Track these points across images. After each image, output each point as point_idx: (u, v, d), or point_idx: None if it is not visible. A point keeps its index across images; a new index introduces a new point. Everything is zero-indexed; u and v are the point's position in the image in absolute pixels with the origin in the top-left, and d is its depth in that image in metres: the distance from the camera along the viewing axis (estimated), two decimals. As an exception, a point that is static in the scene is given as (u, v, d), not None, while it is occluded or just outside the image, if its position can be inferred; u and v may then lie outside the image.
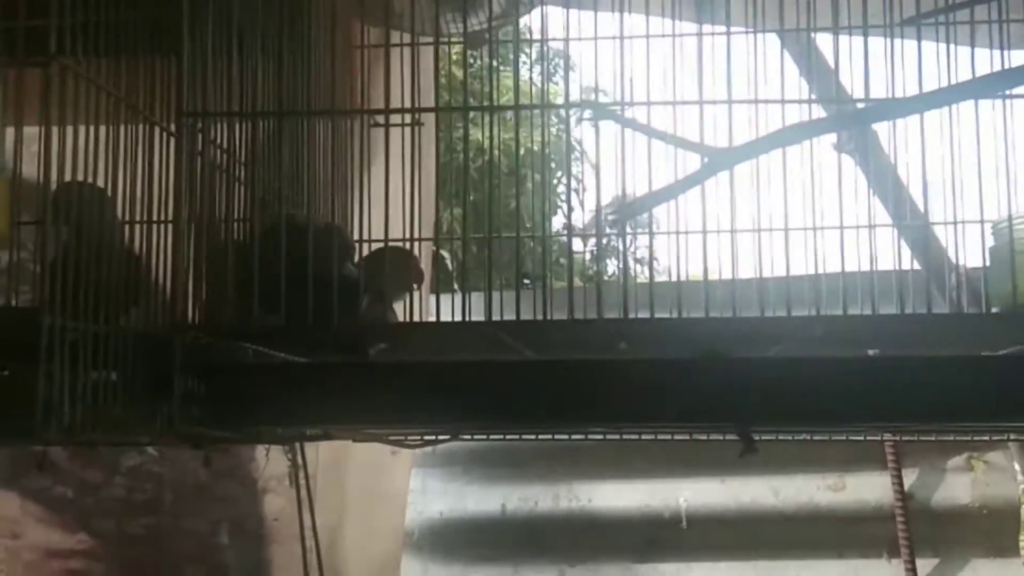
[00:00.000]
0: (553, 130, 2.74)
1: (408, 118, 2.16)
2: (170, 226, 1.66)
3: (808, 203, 2.02)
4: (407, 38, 2.25)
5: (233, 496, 3.11)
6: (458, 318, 1.72)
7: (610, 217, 2.01)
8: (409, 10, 2.13)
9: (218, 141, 1.75)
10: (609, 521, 3.60)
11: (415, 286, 2.08)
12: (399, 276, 2.02)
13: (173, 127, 1.68)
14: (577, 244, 2.78)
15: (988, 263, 1.79)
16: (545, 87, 2.38)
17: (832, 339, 1.61)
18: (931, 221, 2.54)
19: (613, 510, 3.60)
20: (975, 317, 1.60)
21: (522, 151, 2.04)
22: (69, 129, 1.48)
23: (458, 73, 2.25)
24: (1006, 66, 1.99)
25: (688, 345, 1.60)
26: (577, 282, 1.87)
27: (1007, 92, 1.93)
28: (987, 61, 1.93)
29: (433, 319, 1.84)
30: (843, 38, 2.43)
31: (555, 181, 6.77)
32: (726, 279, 1.85)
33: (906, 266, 2.29)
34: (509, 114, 2.05)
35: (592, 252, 3.01)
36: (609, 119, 2.16)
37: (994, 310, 1.71)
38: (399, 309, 2.04)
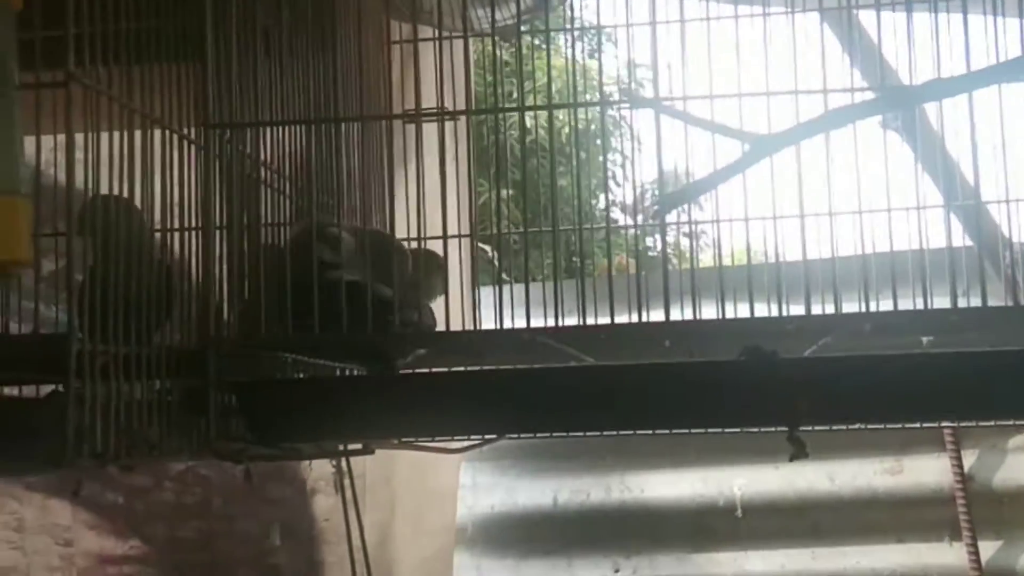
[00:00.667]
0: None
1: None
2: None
3: (855, 184, 1.97)
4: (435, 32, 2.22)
5: (282, 498, 3.10)
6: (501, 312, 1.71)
7: (654, 208, 1.97)
8: (436, 5, 2.09)
9: (248, 150, 1.72)
10: (662, 511, 3.56)
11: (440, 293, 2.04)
12: (429, 281, 1.98)
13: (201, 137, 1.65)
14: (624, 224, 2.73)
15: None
16: (572, 71, 2.34)
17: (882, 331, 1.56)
18: (983, 199, 2.47)
19: (666, 500, 3.56)
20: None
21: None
22: (92, 143, 1.45)
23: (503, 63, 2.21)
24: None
25: (733, 343, 1.55)
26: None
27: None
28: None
29: (474, 315, 1.81)
30: (886, 14, 2.37)
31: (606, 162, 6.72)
32: (771, 263, 1.80)
33: (957, 244, 2.23)
34: (557, 98, 2.01)
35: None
36: (647, 107, 2.11)
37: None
38: (440, 305, 2.01)
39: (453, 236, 2.37)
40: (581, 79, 2.41)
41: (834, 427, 1.72)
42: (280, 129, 1.83)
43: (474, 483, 3.62)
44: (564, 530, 3.58)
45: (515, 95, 2.55)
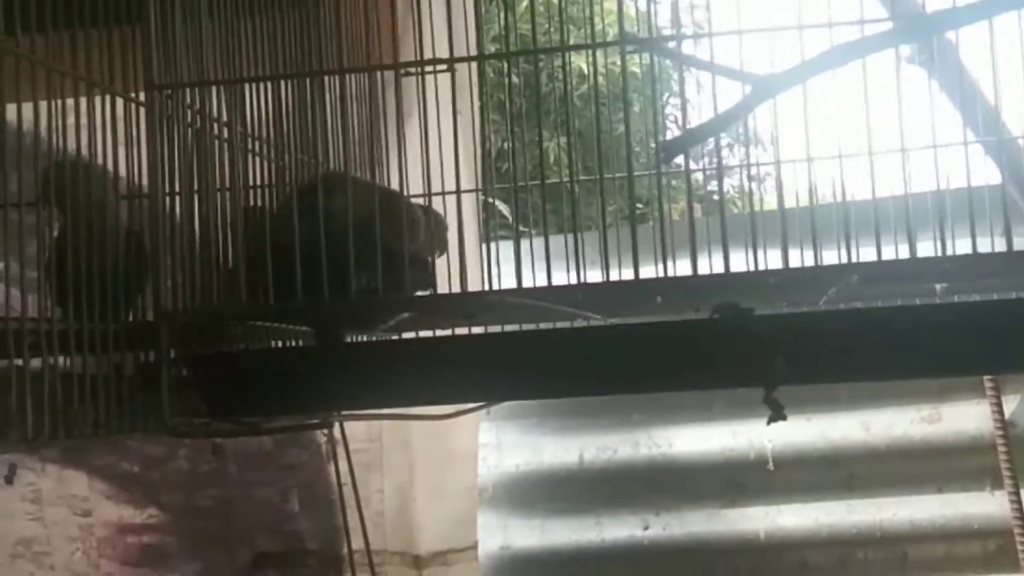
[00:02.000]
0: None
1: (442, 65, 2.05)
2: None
3: (876, 122, 1.86)
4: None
5: (300, 463, 3.05)
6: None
7: (661, 153, 1.88)
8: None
9: (208, 111, 1.64)
10: (692, 466, 3.47)
11: (438, 253, 1.96)
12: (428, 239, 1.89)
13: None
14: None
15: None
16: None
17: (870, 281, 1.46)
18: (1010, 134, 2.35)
19: (695, 455, 3.46)
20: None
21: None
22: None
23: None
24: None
25: (717, 299, 1.47)
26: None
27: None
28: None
29: (486, 269, 1.73)
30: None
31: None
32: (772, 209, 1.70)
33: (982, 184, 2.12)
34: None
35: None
36: (654, 52, 2.02)
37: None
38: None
39: (456, 191, 2.30)
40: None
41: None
42: (257, 87, 1.75)
43: (498, 442, 3.55)
44: (591, 488, 3.50)
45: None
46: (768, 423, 1.40)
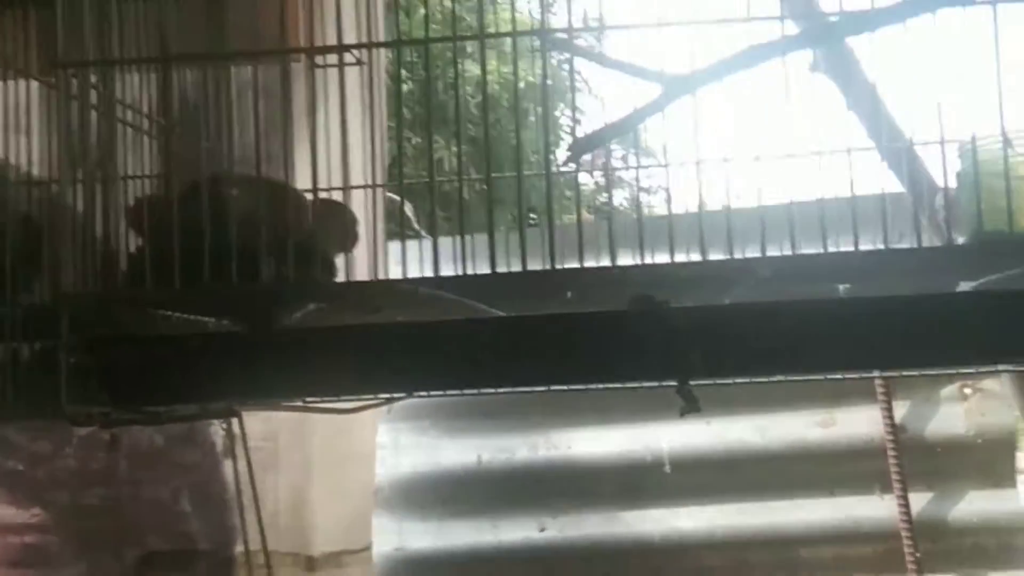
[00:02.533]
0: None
1: (351, 57, 2.02)
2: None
3: (783, 128, 1.87)
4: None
5: (193, 462, 2.97)
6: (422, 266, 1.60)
7: (566, 153, 1.87)
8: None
9: (117, 94, 1.59)
10: (590, 469, 3.46)
11: (349, 248, 1.92)
12: (332, 234, 1.85)
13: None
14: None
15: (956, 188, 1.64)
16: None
17: (796, 276, 1.47)
18: (913, 141, 2.39)
19: (594, 457, 3.46)
20: (935, 250, 1.45)
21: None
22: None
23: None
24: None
25: (629, 292, 1.46)
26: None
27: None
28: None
29: (393, 269, 1.69)
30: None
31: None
32: (692, 212, 1.70)
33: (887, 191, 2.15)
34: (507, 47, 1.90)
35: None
36: (561, 49, 2.01)
37: (961, 239, 1.56)
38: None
39: (361, 187, 2.26)
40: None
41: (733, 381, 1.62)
42: (151, 69, 1.70)
43: (395, 443, 3.50)
44: (489, 490, 3.48)
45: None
46: (681, 414, 1.39)
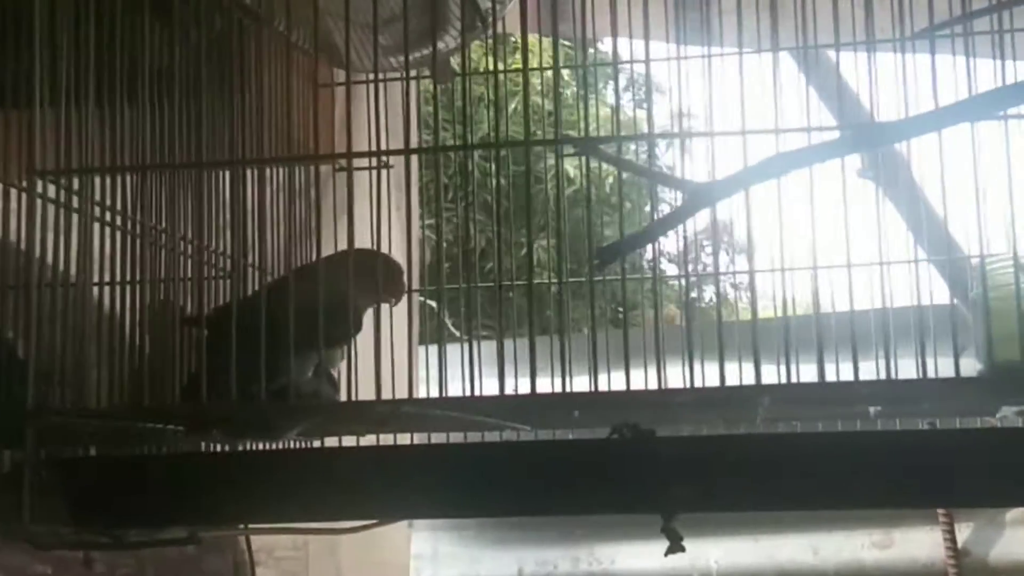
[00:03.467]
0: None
1: (374, 160, 1.99)
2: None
3: (826, 237, 1.79)
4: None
5: (219, 571, 2.91)
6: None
7: (595, 261, 1.80)
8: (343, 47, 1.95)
9: (102, 200, 1.57)
10: (633, 586, 3.34)
11: (393, 300, 1.83)
12: (366, 284, 1.73)
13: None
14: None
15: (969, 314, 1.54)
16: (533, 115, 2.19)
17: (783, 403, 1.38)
18: (959, 254, 2.30)
19: (637, 573, 3.34)
20: (946, 382, 1.35)
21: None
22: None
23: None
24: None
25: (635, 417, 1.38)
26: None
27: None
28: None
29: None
30: (853, 54, 2.20)
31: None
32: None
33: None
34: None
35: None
36: (592, 155, 1.96)
37: (978, 367, 1.46)
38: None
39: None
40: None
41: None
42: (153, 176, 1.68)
43: (434, 553, 3.42)
44: (529, 605, 3.37)
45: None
46: (666, 555, 1.30)
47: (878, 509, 2.58)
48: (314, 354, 1.57)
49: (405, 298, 2.57)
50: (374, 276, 1.65)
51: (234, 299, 1.72)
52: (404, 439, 2.07)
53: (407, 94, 2.13)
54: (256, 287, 1.86)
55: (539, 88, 2.50)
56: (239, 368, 1.44)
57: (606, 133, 1.95)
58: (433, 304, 2.88)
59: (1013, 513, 3.20)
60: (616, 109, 1.83)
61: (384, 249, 1.81)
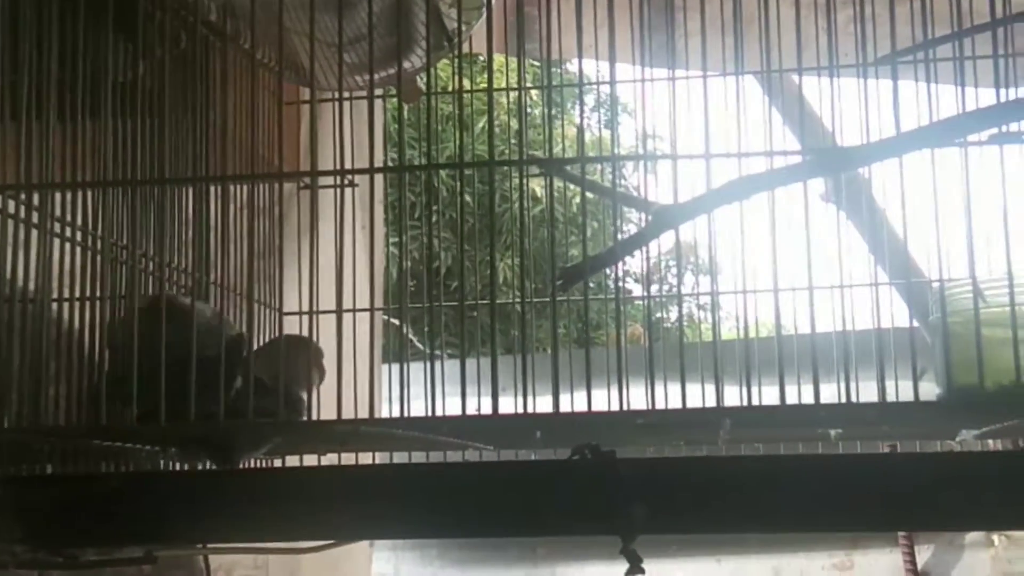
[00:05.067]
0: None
1: (352, 176, 2.00)
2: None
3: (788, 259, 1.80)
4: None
5: (179, 588, 2.89)
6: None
7: (558, 281, 1.80)
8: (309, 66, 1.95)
9: (62, 215, 1.55)
10: (595, 606, 3.34)
11: (316, 382, 1.86)
12: (299, 369, 1.77)
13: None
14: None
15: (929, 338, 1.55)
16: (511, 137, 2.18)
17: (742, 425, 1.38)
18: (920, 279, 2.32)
19: (600, 594, 3.34)
20: (906, 405, 1.36)
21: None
22: None
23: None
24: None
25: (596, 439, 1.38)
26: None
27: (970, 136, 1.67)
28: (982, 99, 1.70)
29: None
30: (816, 79, 2.22)
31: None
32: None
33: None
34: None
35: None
36: (556, 175, 1.96)
37: (937, 391, 1.47)
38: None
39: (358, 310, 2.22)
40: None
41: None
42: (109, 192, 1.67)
43: (396, 573, 3.41)
44: (490, 626, 3.36)
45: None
46: (625, 576, 1.30)
47: (839, 532, 2.59)
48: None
49: (367, 316, 2.57)
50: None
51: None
52: (366, 458, 2.06)
53: (372, 113, 2.13)
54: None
55: (507, 107, 2.51)
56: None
57: (573, 153, 1.95)
58: (396, 322, 2.87)
59: (972, 536, 3.23)
60: (580, 130, 1.83)
61: (348, 267, 1.81)
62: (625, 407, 1.33)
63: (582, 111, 2.02)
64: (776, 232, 1.71)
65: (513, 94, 2.47)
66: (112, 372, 1.55)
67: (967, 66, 1.74)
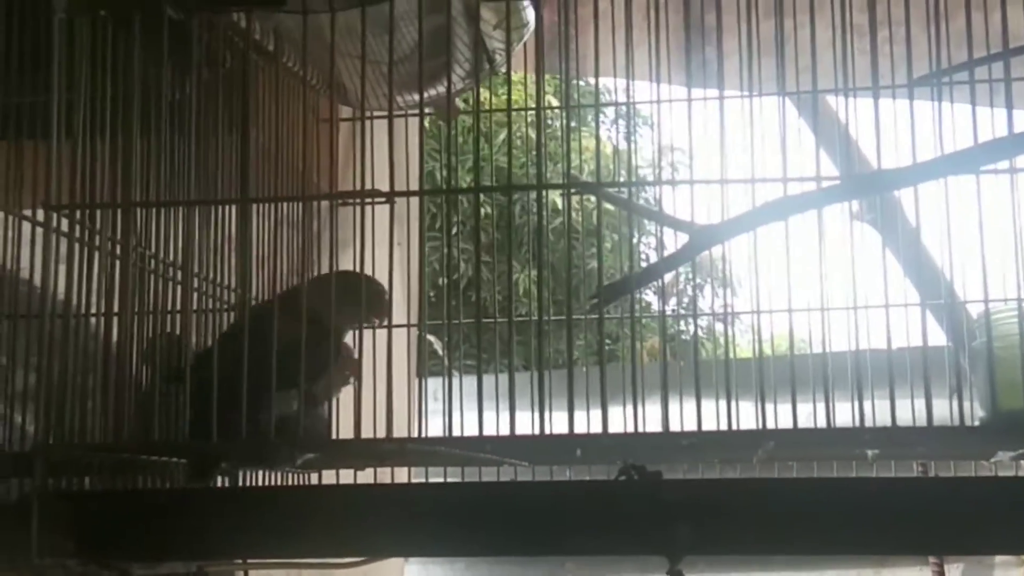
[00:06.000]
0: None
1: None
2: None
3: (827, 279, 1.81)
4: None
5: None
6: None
7: (592, 301, 1.81)
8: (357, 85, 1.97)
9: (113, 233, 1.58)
10: (625, 622, 3.33)
11: (376, 321, 1.82)
12: (348, 303, 1.72)
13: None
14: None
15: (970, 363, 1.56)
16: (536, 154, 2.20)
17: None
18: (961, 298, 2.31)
19: (629, 610, 3.33)
20: (950, 430, 1.37)
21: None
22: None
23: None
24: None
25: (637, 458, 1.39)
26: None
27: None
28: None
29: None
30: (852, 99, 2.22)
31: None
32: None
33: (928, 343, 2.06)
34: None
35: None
36: (596, 195, 1.98)
37: (980, 414, 1.48)
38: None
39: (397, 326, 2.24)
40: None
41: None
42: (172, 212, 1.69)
43: (425, 584, 3.42)
44: (518, 640, 3.36)
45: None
46: (671, 602, 1.31)
47: (872, 555, 2.59)
48: (295, 391, 1.56)
49: (406, 332, 2.58)
50: (357, 297, 1.63)
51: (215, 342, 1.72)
52: (401, 472, 2.07)
53: (421, 132, 2.16)
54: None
55: (529, 120, 2.52)
56: (224, 402, 1.45)
57: (591, 168, 1.96)
58: (432, 339, 2.89)
59: (1002, 555, 3.21)
60: (598, 152, 1.84)
61: (386, 284, 1.82)
62: (669, 428, 1.35)
63: (598, 132, 2.02)
64: (815, 251, 1.73)
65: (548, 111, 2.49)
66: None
67: (1009, 87, 1.74)
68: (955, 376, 1.59)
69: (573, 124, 2.63)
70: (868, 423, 1.41)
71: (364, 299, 1.65)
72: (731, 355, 1.71)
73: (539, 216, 1.74)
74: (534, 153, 1.94)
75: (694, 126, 1.75)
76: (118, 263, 1.58)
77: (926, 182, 1.71)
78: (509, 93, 2.53)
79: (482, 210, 1.91)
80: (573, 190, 1.77)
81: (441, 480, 1.94)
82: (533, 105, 2.31)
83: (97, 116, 1.53)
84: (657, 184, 1.82)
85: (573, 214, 1.98)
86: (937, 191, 1.68)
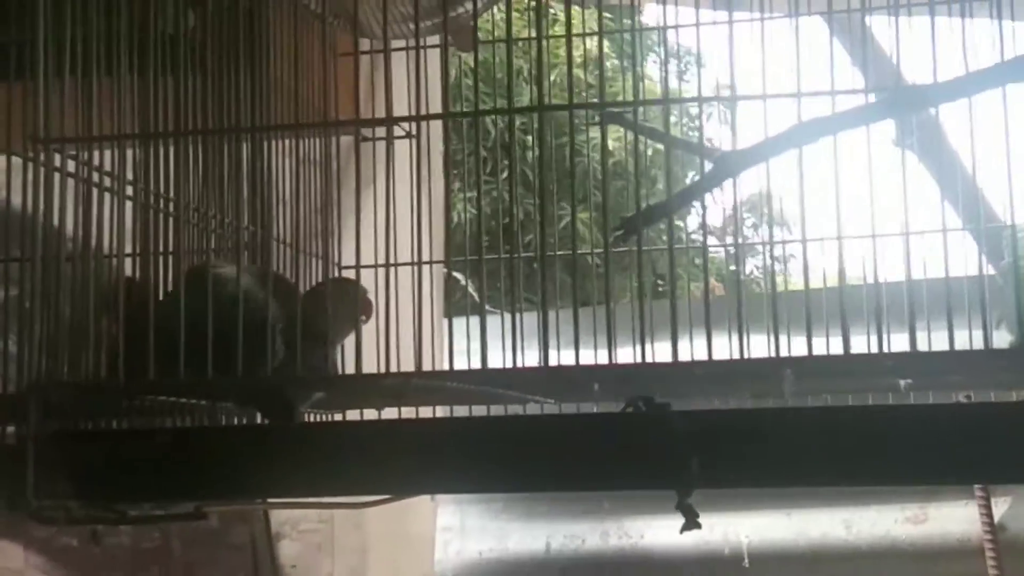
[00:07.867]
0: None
1: (409, 127, 1.97)
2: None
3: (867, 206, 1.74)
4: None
5: (246, 543, 2.91)
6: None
7: (618, 232, 1.76)
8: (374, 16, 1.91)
9: (106, 168, 1.54)
10: (663, 560, 3.29)
11: (363, 319, 1.83)
12: (343, 310, 1.76)
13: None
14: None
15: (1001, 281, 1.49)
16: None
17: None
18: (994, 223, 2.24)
19: (667, 548, 3.29)
20: (975, 354, 1.30)
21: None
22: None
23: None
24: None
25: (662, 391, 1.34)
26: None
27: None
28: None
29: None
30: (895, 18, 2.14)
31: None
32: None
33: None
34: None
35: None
36: (617, 123, 1.92)
37: (1009, 339, 1.41)
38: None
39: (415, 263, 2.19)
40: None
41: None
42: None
43: (462, 526, 3.39)
44: (556, 580, 3.34)
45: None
46: (681, 531, 1.27)
47: (908, 486, 2.52)
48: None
49: (430, 269, 2.54)
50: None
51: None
52: (427, 412, 2.04)
53: (444, 60, 2.11)
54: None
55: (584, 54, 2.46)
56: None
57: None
58: (459, 276, 2.84)
59: (1052, 488, 3.14)
60: (634, 75, 1.78)
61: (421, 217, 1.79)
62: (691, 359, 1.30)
63: (635, 52, 1.96)
64: (841, 178, 1.66)
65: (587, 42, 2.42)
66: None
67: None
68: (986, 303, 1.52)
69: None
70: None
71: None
72: (754, 289, 1.65)
73: (570, 139, 1.68)
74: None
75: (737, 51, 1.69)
76: (115, 199, 1.54)
77: (961, 98, 1.64)
78: (538, 16, 2.46)
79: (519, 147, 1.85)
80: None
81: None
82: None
83: (89, 50, 1.49)
84: (698, 101, 1.75)
85: (615, 146, 1.91)
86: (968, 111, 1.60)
